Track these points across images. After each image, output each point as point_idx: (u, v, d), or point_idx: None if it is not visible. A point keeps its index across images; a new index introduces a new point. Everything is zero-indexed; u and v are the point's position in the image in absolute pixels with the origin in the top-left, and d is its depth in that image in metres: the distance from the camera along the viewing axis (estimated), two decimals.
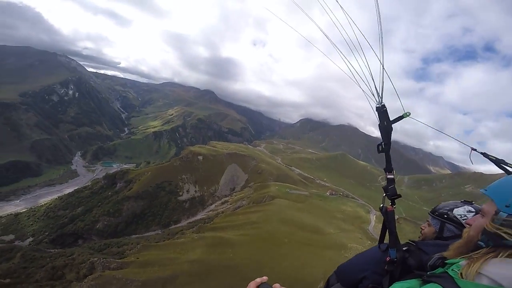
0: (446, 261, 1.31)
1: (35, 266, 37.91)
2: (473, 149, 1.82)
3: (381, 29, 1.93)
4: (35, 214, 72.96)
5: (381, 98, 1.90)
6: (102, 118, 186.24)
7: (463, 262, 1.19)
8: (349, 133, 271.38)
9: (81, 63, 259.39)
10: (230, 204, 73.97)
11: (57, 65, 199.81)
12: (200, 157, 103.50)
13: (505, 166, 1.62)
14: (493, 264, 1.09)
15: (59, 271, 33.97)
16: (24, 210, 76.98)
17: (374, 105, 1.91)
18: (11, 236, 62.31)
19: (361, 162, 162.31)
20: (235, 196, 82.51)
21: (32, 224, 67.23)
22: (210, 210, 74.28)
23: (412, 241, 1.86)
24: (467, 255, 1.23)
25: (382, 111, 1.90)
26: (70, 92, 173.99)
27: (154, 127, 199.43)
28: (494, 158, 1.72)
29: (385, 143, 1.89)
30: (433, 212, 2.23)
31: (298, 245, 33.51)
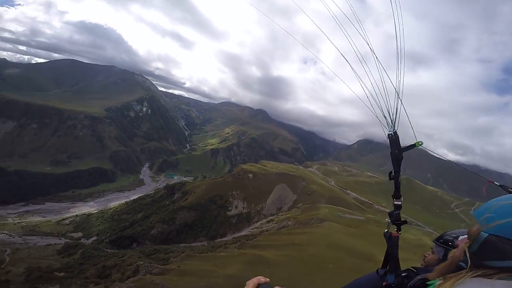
0: (427, 282, 1.31)
1: (90, 263, 41.26)
2: (490, 181, 1.80)
3: (399, 50, 1.93)
4: (103, 215, 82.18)
5: (394, 124, 1.90)
6: (169, 135, 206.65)
7: (438, 282, 1.20)
8: (416, 155, 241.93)
9: (154, 82, 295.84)
10: (275, 223, 71.76)
11: (135, 83, 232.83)
12: (251, 175, 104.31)
13: None
14: (465, 283, 1.11)
15: (107, 270, 35.96)
16: (95, 211, 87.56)
17: (387, 132, 1.91)
18: (80, 234, 70.91)
19: (430, 187, 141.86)
20: (281, 215, 79.92)
21: (99, 225, 75.61)
22: (255, 228, 72.55)
23: (413, 268, 1.79)
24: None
25: (393, 138, 1.88)
26: (144, 109, 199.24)
27: (212, 144, 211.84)
28: None
29: (395, 171, 1.88)
30: (438, 239, 2.24)
31: (344, 271, 28.94)
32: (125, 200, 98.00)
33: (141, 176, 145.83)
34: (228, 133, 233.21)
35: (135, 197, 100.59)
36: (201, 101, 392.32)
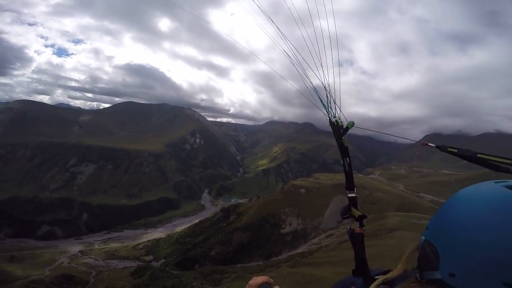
0: None
1: (154, 284, 44.85)
2: (423, 144, 1.55)
3: (329, 44, 2.11)
4: (170, 239, 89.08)
5: (333, 111, 1.93)
6: (222, 161, 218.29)
7: None
8: (500, 141, 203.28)
9: (202, 113, 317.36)
10: (336, 238, 67.71)
11: (186, 117, 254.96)
12: (303, 190, 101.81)
13: (485, 156, 1.25)
14: None
15: None
16: (164, 236, 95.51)
17: (328, 121, 1.91)
18: (151, 257, 77.88)
19: None
20: (343, 229, 75.21)
21: (166, 248, 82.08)
22: (313, 244, 69.31)
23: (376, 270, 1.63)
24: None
25: (335, 126, 1.87)
26: (197, 140, 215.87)
27: (263, 165, 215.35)
28: (456, 150, 1.36)
29: (344, 159, 1.82)
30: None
31: None
32: (189, 224, 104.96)
33: (202, 202, 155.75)
34: (277, 151, 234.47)
35: (197, 221, 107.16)
36: (247, 125, 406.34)
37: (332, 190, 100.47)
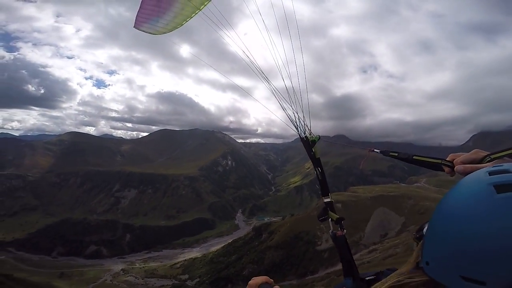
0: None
1: None
2: (370, 150, 1.65)
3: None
4: (205, 259, 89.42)
5: (302, 129, 2.14)
6: (254, 181, 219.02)
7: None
8: None
9: (232, 136, 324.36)
10: (379, 253, 62.64)
11: (217, 141, 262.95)
12: (339, 205, 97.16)
13: (420, 158, 1.35)
14: None
15: None
16: (199, 256, 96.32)
17: (300, 137, 2.10)
18: (186, 276, 78.48)
19: None
20: (387, 243, 69.50)
21: (201, 268, 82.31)
22: (354, 260, 64.58)
23: (390, 269, 1.57)
24: None
25: (306, 142, 2.07)
26: (229, 162, 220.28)
27: (295, 182, 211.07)
28: (396, 154, 1.48)
29: (317, 169, 1.98)
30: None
31: None
32: (223, 244, 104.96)
33: (236, 222, 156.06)
34: (309, 168, 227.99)
35: (230, 240, 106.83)
36: (276, 143, 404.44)
37: (372, 203, 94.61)
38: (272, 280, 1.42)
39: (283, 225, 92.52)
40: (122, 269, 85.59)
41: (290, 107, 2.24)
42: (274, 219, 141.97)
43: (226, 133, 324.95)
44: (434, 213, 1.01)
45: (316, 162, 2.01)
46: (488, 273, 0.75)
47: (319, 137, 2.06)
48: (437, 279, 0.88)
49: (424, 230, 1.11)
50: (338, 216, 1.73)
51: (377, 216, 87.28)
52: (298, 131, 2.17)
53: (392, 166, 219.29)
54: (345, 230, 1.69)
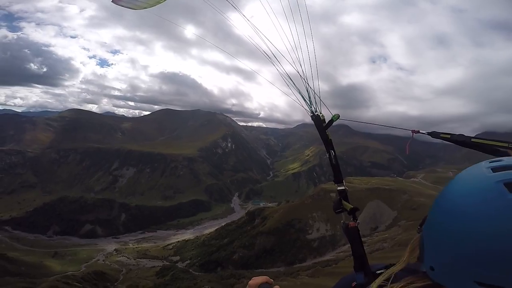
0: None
1: (174, 285, 45.28)
2: (415, 131, 1.54)
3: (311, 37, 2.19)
4: (197, 241, 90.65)
5: (314, 106, 2.00)
6: (253, 165, 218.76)
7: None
8: None
9: (233, 118, 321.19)
10: (367, 246, 62.79)
11: (218, 122, 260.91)
12: (333, 194, 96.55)
13: (480, 141, 1.22)
14: None
15: None
16: (192, 238, 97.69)
17: (309, 115, 1.98)
18: (177, 258, 79.74)
19: None
20: (376, 236, 69.60)
21: (192, 250, 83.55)
22: (342, 251, 64.98)
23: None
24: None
25: (317, 119, 1.91)
26: (229, 145, 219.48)
27: (293, 169, 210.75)
28: (449, 136, 1.36)
29: (330, 152, 1.82)
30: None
31: None
32: (217, 227, 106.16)
33: (231, 205, 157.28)
34: (308, 155, 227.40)
35: (224, 224, 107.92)
36: (277, 129, 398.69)
37: (366, 195, 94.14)
38: (272, 280, 1.39)
39: (277, 211, 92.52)
40: (115, 249, 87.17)
41: (303, 83, 2.13)
42: (269, 205, 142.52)
43: (228, 115, 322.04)
44: (433, 210, 0.94)
45: (329, 144, 1.85)
46: (507, 277, 0.69)
47: (338, 116, 1.84)
48: (447, 286, 0.82)
49: None
50: (352, 206, 1.62)
51: (370, 209, 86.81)
52: (311, 107, 2.00)
53: (392, 160, 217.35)
54: (358, 221, 1.58)
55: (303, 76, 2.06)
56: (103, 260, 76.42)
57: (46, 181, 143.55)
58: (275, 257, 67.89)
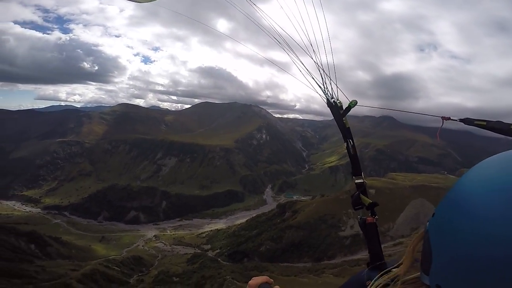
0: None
1: (200, 273, 46.96)
2: (445, 118, 1.40)
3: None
4: (228, 231, 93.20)
5: (329, 93, 1.92)
6: (287, 157, 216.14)
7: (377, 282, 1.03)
8: None
9: (269, 110, 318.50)
10: (405, 247, 57.76)
11: (253, 115, 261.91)
12: (372, 191, 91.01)
13: None
14: None
15: (204, 281, 39.66)
16: (224, 227, 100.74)
17: (325, 101, 1.91)
18: (208, 246, 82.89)
19: None
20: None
21: (223, 239, 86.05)
22: None
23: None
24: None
25: (334, 106, 1.86)
26: (264, 136, 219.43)
27: (331, 162, 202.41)
28: (485, 123, 1.21)
29: (348, 141, 1.75)
30: None
31: None
32: (247, 218, 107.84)
33: (264, 197, 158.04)
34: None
35: (255, 215, 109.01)
36: (315, 120, 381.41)
37: (410, 193, 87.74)
38: (272, 280, 1.36)
39: (309, 205, 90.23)
40: (154, 235, 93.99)
41: (317, 69, 2.04)
42: (303, 198, 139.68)
43: (263, 107, 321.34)
44: (443, 210, 0.76)
45: (347, 132, 1.79)
46: None
47: (356, 102, 1.78)
48: None
49: None
50: (370, 201, 1.53)
51: (413, 207, 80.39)
52: (326, 94, 1.90)
53: (444, 155, 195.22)
54: (376, 217, 1.49)
55: (316, 61, 1.96)
56: (143, 246, 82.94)
57: (100, 170, 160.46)
58: (303, 252, 66.46)
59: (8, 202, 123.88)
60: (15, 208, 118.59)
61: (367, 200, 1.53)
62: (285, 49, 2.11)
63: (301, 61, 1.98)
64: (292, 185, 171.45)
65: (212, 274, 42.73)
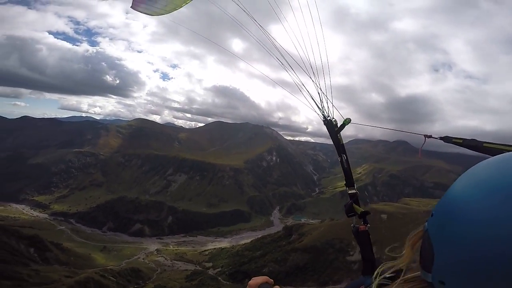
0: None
1: None
2: (427, 136, 1.52)
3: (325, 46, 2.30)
4: (232, 250, 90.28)
5: (325, 111, 2.10)
6: (297, 180, 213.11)
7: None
8: None
9: (280, 132, 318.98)
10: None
11: (265, 136, 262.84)
12: (384, 216, 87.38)
13: (491, 145, 1.13)
14: None
15: None
16: (228, 246, 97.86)
17: (322, 120, 2.10)
18: (210, 264, 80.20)
19: None
20: None
21: (226, 258, 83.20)
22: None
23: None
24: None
25: (330, 124, 2.04)
26: (274, 158, 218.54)
27: (342, 186, 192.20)
28: (461, 141, 1.30)
29: (341, 156, 1.91)
30: None
31: None
32: (252, 239, 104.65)
33: (271, 218, 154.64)
34: (360, 172, 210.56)
35: (260, 236, 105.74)
36: (327, 144, 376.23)
37: (424, 218, 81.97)
38: (272, 280, 1.33)
39: (317, 229, 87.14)
40: (156, 249, 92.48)
41: (314, 85, 2.21)
42: (311, 221, 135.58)
43: (275, 129, 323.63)
44: (442, 211, 0.78)
45: (341, 148, 1.95)
46: None
47: (350, 120, 1.92)
48: None
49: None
50: (363, 210, 1.65)
51: None
52: (323, 112, 2.07)
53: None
54: (368, 225, 1.57)
55: (315, 81, 2.12)
56: (143, 259, 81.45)
57: (111, 181, 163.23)
58: (307, 275, 63.07)
59: (18, 206, 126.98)
60: (24, 212, 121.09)
61: (359, 209, 1.61)
62: (287, 70, 2.27)
63: (302, 82, 2.13)
64: (300, 208, 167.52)
65: None
